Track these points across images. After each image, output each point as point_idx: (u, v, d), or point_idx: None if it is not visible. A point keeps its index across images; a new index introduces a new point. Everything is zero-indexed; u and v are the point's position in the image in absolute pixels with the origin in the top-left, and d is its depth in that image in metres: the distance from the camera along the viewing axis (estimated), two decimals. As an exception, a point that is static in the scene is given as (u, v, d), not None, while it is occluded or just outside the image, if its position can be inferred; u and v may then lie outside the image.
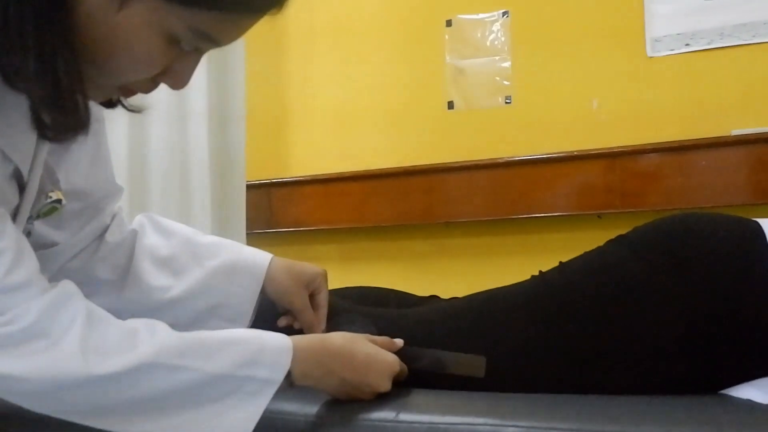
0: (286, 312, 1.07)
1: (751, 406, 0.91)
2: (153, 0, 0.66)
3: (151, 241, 1.04)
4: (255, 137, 2.00)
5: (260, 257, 1.05)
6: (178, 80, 0.73)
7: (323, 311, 1.06)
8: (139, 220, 1.06)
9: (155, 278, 1.02)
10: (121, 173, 1.78)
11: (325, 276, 1.07)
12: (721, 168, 1.61)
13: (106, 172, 1.00)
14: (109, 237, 1.02)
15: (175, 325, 1.03)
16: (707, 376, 0.98)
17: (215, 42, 0.71)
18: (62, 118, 0.68)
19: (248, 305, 1.04)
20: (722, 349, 0.97)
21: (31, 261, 0.74)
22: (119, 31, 0.67)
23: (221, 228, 1.90)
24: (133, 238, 1.04)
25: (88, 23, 0.66)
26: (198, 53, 0.73)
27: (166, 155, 1.87)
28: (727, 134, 1.63)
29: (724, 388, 0.98)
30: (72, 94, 0.67)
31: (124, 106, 0.81)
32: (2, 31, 0.64)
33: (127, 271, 1.02)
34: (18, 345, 0.70)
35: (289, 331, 1.03)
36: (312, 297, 1.06)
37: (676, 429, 0.81)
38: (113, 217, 1.04)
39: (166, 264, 1.03)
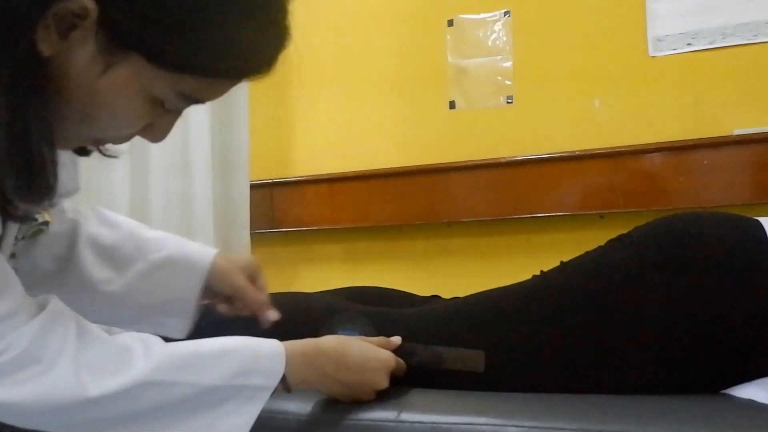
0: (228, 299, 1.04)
1: (752, 405, 0.91)
2: (138, 65, 0.64)
3: (94, 230, 1.01)
4: (258, 137, 2.00)
5: (204, 252, 1.03)
6: (157, 136, 0.74)
7: (265, 294, 1.03)
8: (83, 210, 1.03)
9: (97, 270, 0.99)
10: (123, 172, 1.78)
11: (259, 263, 1.05)
12: (723, 167, 1.60)
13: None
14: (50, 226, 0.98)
15: (118, 321, 1.00)
16: (709, 375, 0.98)
17: (198, 101, 0.71)
18: (28, 194, 0.66)
19: (191, 300, 1.01)
20: (724, 348, 0.97)
21: (16, 287, 0.73)
22: (101, 94, 0.66)
23: (225, 228, 1.89)
24: (74, 228, 1.00)
25: (70, 86, 0.65)
26: (179, 111, 0.73)
27: (169, 154, 1.87)
28: (729, 134, 1.62)
29: (725, 388, 0.98)
30: (42, 171, 0.65)
31: (100, 152, 0.79)
32: None
33: (68, 261, 0.99)
34: (12, 373, 0.70)
35: (262, 329, 1.01)
36: (252, 283, 1.03)
37: (678, 428, 0.81)
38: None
39: (109, 254, 1.00)
